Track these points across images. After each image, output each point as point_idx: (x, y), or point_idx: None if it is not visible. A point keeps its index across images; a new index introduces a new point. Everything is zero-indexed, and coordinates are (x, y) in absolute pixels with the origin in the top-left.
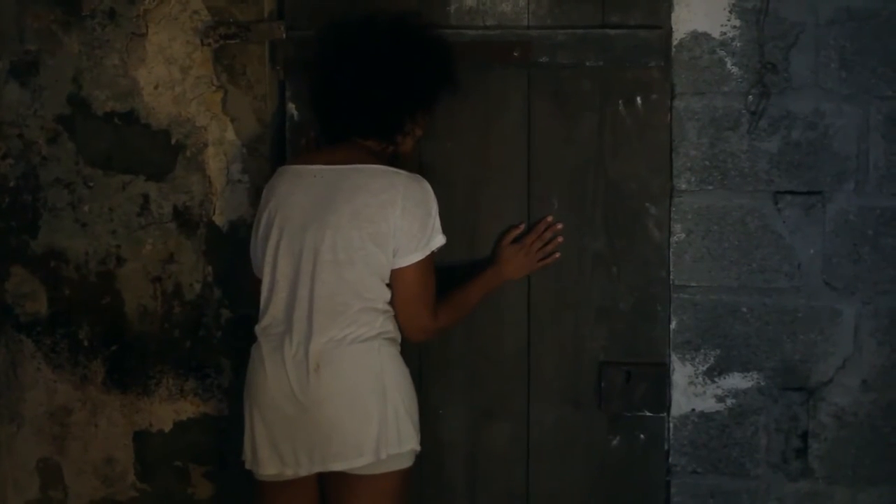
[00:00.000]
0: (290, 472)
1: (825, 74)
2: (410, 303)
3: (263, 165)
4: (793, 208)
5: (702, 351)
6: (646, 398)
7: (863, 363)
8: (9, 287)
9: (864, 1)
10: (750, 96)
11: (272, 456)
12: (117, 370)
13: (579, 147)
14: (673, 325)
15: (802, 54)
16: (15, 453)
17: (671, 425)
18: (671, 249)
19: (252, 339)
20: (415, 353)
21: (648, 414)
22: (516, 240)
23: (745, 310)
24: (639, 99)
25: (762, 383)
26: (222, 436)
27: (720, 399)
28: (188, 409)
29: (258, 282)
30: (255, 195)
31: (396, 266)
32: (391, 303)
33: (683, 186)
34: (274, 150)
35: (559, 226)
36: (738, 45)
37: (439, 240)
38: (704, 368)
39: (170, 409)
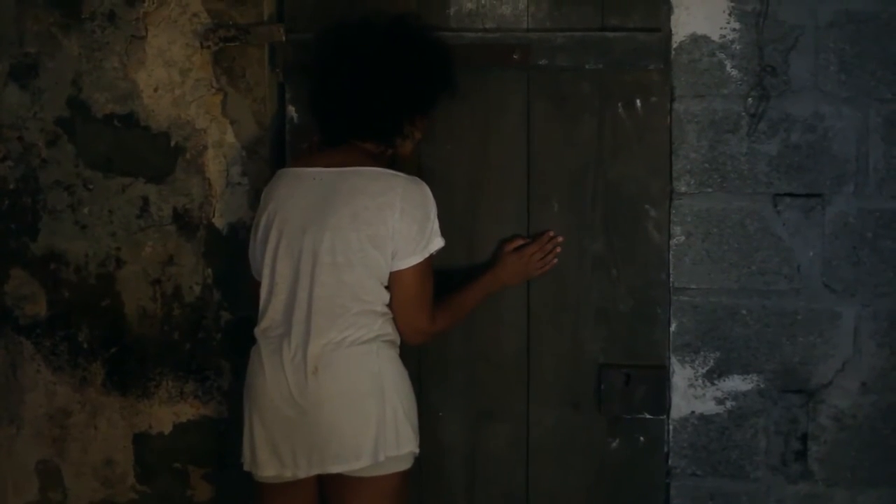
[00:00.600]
0: (289, 474)
1: (824, 77)
2: (408, 305)
3: (263, 168)
4: (792, 211)
5: (701, 353)
6: (645, 400)
7: (862, 365)
8: (8, 289)
9: (864, 4)
10: (749, 99)
11: (271, 458)
12: (117, 372)
13: (579, 150)
14: (672, 328)
15: (802, 57)
16: (14, 455)
17: (671, 428)
18: (671, 252)
19: (251, 341)
20: (414, 356)
21: (648, 416)
22: (517, 248)
23: (744, 312)
24: (638, 101)
25: (762, 386)
26: (222, 438)
27: (720, 401)
28: (188, 411)
29: (257, 284)
30: (255, 197)
31: (395, 268)
32: (390, 305)
33: (683, 189)
34: (273, 153)
35: (560, 238)
36: (738, 47)
37: (438, 242)
38: (704, 371)
39: (169, 411)
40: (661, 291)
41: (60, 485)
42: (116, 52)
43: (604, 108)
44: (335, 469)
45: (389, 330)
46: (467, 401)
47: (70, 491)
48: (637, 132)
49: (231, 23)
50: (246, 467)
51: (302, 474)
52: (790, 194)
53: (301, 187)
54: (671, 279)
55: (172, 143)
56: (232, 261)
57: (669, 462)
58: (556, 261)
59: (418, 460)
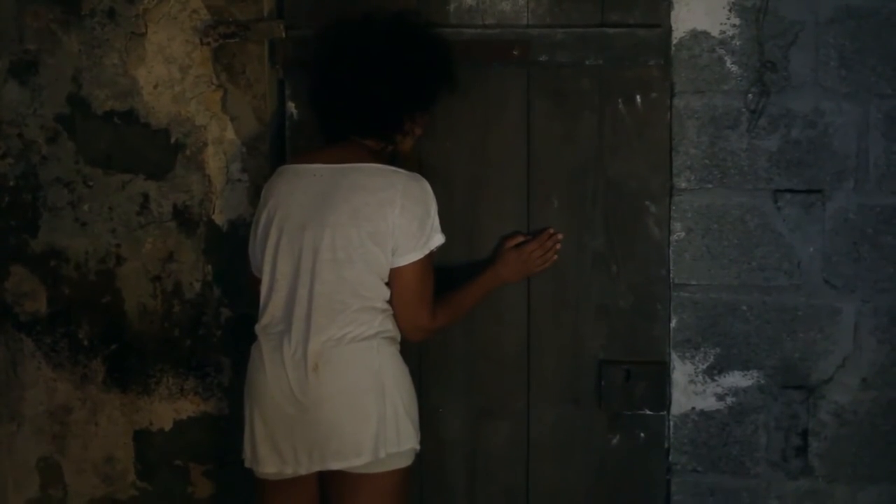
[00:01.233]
0: (289, 471)
1: (825, 73)
2: (409, 302)
3: (263, 164)
4: (792, 207)
5: (702, 349)
6: (646, 397)
7: (862, 361)
8: (9, 286)
9: None
10: (749, 95)
11: (272, 454)
12: (117, 369)
13: (579, 146)
14: (673, 324)
15: (802, 53)
16: (15, 452)
17: (671, 424)
18: (671, 248)
19: (252, 337)
20: (415, 352)
21: (648, 412)
22: (518, 244)
23: (744, 308)
24: (638, 98)
25: (762, 382)
26: (222, 434)
27: (720, 397)
28: (188, 407)
29: (256, 280)
30: (255, 194)
31: (395, 265)
32: (390, 302)
33: (683, 185)
34: (273, 149)
35: (560, 236)
36: (738, 43)
37: (438, 239)
38: (704, 367)
39: (170, 407)
40: (662, 288)
41: (61, 482)
42: (116, 49)
43: (604, 104)
44: (336, 466)
45: (390, 326)
46: (468, 398)
47: (71, 488)
48: (637, 128)
49: (231, 19)
50: (247, 464)
51: (303, 471)
52: (790, 190)
53: (301, 184)
54: (671, 275)
55: (172, 140)
56: (232, 257)
57: (670, 458)
58: (556, 257)
59: (419, 457)
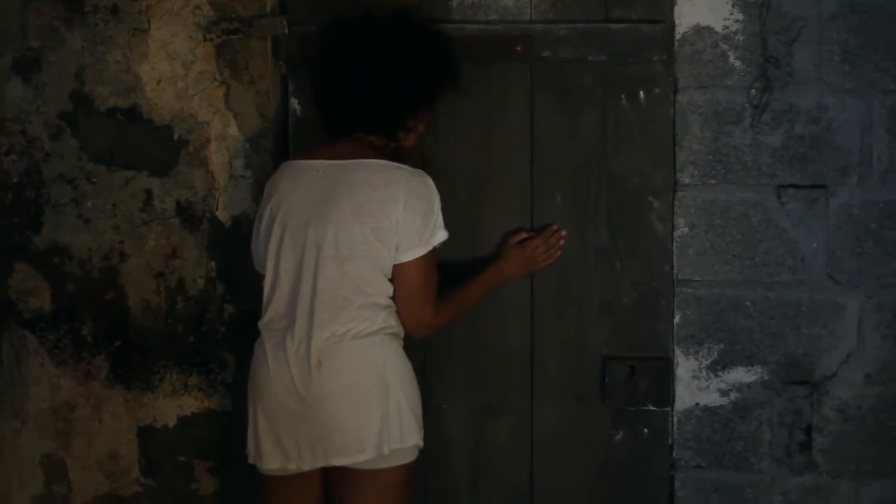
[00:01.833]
0: (293, 467)
1: (828, 68)
2: (412, 298)
3: (266, 160)
4: (796, 202)
5: (705, 345)
6: (649, 392)
7: (866, 357)
8: (12, 283)
9: None
10: (753, 90)
11: (275, 450)
12: (121, 365)
13: (582, 141)
14: (676, 320)
15: (805, 48)
16: (19, 449)
17: (675, 419)
18: (674, 243)
19: (255, 334)
20: (418, 349)
21: (652, 408)
22: (521, 241)
23: (748, 304)
24: (641, 93)
25: (766, 377)
26: (226, 431)
27: (724, 393)
28: (192, 404)
29: (259, 277)
30: (258, 190)
31: (398, 261)
32: (393, 298)
33: (686, 180)
34: (276, 146)
35: (564, 232)
36: (741, 38)
37: (441, 235)
38: (708, 362)
39: (173, 404)
40: (665, 283)
41: (65, 478)
42: (119, 46)
43: (607, 99)
44: (339, 462)
45: (393, 323)
46: (471, 394)
47: (75, 484)
48: (640, 124)
49: (234, 15)
50: (250, 460)
51: (306, 467)
52: (794, 185)
53: (305, 180)
54: (675, 271)
55: (175, 136)
56: (235, 254)
57: (674, 454)
58: (559, 254)
59: (422, 454)
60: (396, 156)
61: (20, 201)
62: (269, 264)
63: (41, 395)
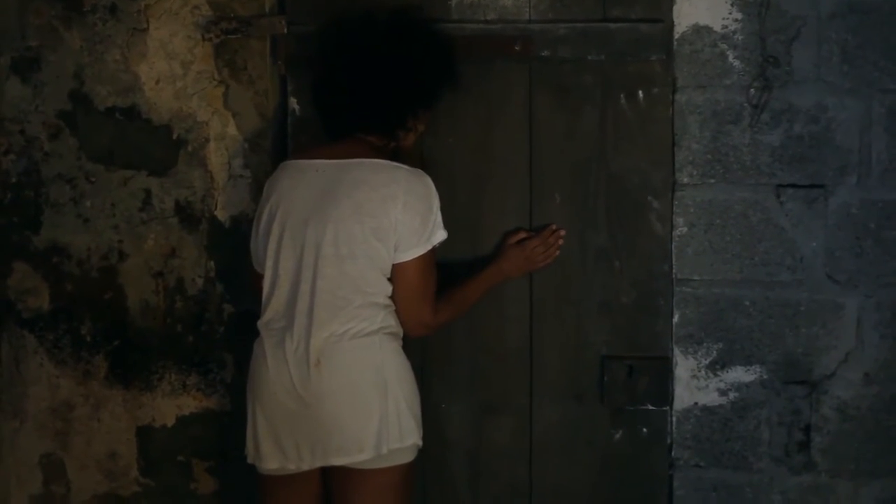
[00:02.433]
0: (292, 467)
1: (827, 68)
2: (411, 297)
3: (265, 160)
4: (795, 202)
5: (704, 344)
6: (648, 392)
7: (865, 356)
8: (11, 283)
9: None
10: (752, 90)
11: (274, 450)
12: (120, 365)
13: (581, 141)
14: (675, 319)
15: (804, 47)
16: (18, 448)
17: (674, 419)
18: (673, 243)
19: (254, 333)
20: (417, 348)
21: (651, 408)
22: (520, 240)
23: (747, 303)
24: (640, 93)
25: (765, 377)
26: (225, 430)
27: (723, 393)
28: (191, 403)
29: (258, 276)
30: (257, 190)
31: (398, 260)
32: (392, 297)
33: (685, 180)
34: (275, 145)
35: (563, 232)
36: (740, 38)
37: (441, 235)
38: (707, 362)
39: (172, 404)
40: (664, 283)
41: (64, 478)
42: (118, 45)
43: (606, 99)
44: (338, 461)
45: (392, 322)
46: (470, 393)
47: (74, 484)
48: (639, 123)
49: (232, 15)
50: (249, 460)
51: (305, 467)
52: (793, 185)
53: (304, 180)
54: (674, 270)
55: (174, 136)
56: (234, 253)
57: (673, 453)
58: (558, 253)
59: (421, 453)
60: (396, 155)
61: (19, 201)
62: (269, 264)
63: (40, 395)
